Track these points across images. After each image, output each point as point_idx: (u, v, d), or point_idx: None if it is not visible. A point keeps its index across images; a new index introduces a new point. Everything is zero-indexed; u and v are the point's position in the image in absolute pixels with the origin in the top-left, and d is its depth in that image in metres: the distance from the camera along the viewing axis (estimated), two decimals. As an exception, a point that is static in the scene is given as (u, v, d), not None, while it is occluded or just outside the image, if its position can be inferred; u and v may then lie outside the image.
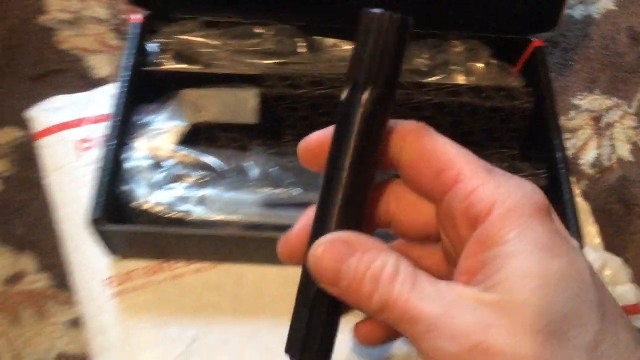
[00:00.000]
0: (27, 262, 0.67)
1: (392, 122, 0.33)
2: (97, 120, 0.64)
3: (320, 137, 0.34)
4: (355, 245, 0.30)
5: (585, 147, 0.73)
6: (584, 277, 0.28)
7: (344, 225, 0.31)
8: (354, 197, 0.31)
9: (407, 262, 0.29)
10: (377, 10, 0.30)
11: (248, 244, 0.53)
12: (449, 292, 0.28)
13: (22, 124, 0.72)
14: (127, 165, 0.54)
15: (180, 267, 0.57)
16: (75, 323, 0.64)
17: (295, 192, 0.54)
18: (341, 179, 0.31)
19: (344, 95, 0.31)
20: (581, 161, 0.71)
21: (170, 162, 0.55)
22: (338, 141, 0.31)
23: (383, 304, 0.28)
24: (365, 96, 0.30)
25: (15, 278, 0.66)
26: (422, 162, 0.32)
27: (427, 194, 0.33)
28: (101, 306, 0.56)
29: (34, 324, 0.64)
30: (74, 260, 0.59)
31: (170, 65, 0.61)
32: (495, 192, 0.29)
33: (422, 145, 0.32)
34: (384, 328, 0.36)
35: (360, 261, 0.29)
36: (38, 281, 0.66)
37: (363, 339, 0.37)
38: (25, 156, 0.71)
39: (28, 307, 0.65)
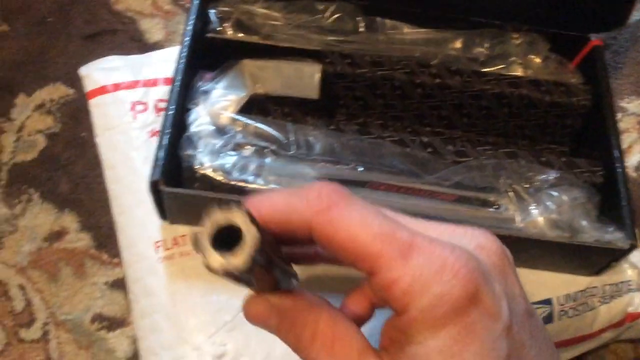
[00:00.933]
0: (69, 221, 0.67)
1: (298, 204, 0.30)
2: (151, 83, 0.64)
3: None
4: (275, 305, 0.32)
5: (630, 151, 0.73)
6: None
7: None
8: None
9: (330, 323, 0.31)
10: None
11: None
12: None
13: (72, 82, 0.71)
14: (188, 130, 0.54)
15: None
16: (115, 285, 0.64)
17: (356, 170, 0.54)
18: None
19: None
20: (625, 164, 0.71)
21: (231, 130, 0.55)
22: None
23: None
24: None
25: (57, 235, 0.66)
26: (334, 251, 0.30)
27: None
28: (149, 269, 0.56)
29: (72, 283, 0.64)
30: (123, 221, 0.58)
31: (231, 34, 0.61)
32: (409, 291, 0.28)
33: (330, 234, 0.30)
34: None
35: (281, 322, 0.32)
36: (79, 240, 0.66)
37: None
38: (73, 114, 0.71)
39: (68, 265, 0.64)
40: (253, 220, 0.27)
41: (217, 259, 0.26)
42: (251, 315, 0.33)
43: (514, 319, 0.29)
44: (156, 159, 0.51)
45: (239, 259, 0.26)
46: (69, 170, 0.69)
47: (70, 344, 0.62)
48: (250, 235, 0.26)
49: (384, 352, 0.31)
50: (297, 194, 0.31)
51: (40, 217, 0.67)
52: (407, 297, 0.28)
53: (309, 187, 0.31)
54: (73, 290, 0.64)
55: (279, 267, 0.31)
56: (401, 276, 0.28)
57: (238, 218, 0.26)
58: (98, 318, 0.63)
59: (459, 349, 0.28)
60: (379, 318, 0.34)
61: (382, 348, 0.31)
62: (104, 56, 0.67)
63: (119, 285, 0.64)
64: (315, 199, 0.30)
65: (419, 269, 0.28)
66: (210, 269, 0.27)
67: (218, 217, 0.26)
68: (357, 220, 0.29)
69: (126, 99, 0.62)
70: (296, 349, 0.32)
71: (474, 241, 0.31)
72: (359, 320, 0.35)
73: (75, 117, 0.71)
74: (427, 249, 0.29)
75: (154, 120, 0.61)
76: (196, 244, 0.27)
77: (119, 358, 0.62)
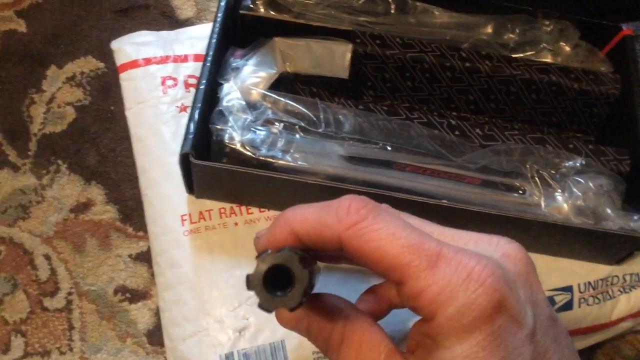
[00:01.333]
0: (95, 192, 0.67)
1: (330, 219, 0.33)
2: (182, 59, 0.64)
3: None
4: (305, 310, 0.34)
5: (655, 142, 0.73)
6: None
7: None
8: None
9: (357, 329, 0.33)
10: None
11: (330, 195, 0.53)
12: None
13: (103, 55, 0.72)
14: (219, 104, 0.54)
15: (255, 214, 0.58)
16: (139, 258, 0.65)
17: (384, 150, 0.54)
18: None
19: None
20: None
21: (262, 106, 0.55)
22: None
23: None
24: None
25: (83, 207, 0.67)
26: (364, 263, 0.32)
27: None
28: (174, 241, 0.57)
29: (97, 255, 0.65)
30: (150, 194, 0.59)
31: (263, 11, 0.61)
32: (437, 299, 0.29)
33: (360, 248, 0.31)
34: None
35: (310, 326, 0.34)
36: (105, 212, 0.67)
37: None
38: (103, 87, 0.71)
39: (93, 237, 0.65)
40: (303, 261, 0.29)
41: (270, 302, 0.29)
42: (284, 320, 0.36)
43: (538, 324, 0.31)
44: (187, 132, 0.52)
45: (292, 301, 0.29)
46: (97, 143, 0.69)
47: (92, 314, 0.63)
48: (301, 279, 0.29)
49: (410, 355, 0.33)
50: (327, 209, 0.33)
51: (67, 188, 0.68)
52: (434, 305, 0.29)
53: (338, 202, 0.33)
54: (97, 262, 0.65)
55: (315, 278, 0.33)
56: (429, 285, 0.29)
57: (290, 262, 0.29)
58: (121, 290, 0.64)
59: (485, 355, 0.29)
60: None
61: (409, 351, 0.33)
62: (135, 31, 0.67)
63: (143, 258, 0.65)
64: (345, 215, 0.32)
65: (447, 279, 0.29)
66: (263, 309, 0.29)
67: (269, 260, 0.29)
68: (385, 234, 0.31)
69: (157, 74, 0.63)
70: (325, 352, 0.34)
71: (500, 250, 0.32)
72: (375, 317, 0.37)
73: (105, 91, 0.72)
74: (454, 259, 0.30)
75: (184, 96, 0.62)
76: (249, 284, 0.29)
77: (140, 330, 0.62)
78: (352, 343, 0.33)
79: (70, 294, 0.64)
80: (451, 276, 0.29)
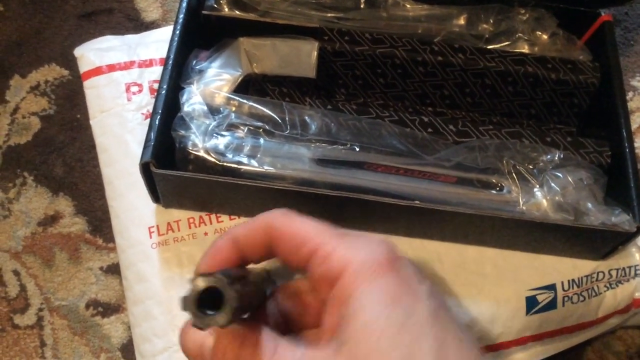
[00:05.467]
0: (64, 204, 0.65)
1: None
2: (146, 64, 0.62)
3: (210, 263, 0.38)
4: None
5: (639, 131, 0.71)
6: (421, 326, 0.32)
7: None
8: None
9: (269, 334, 0.35)
10: None
11: (300, 199, 0.52)
12: (305, 357, 0.33)
13: (67, 62, 0.70)
14: (180, 110, 0.52)
15: (225, 222, 0.56)
16: (110, 270, 0.63)
17: (352, 150, 0.52)
18: None
19: None
20: (635, 144, 0.69)
21: (225, 110, 0.53)
22: None
23: None
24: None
25: (51, 220, 0.65)
26: (284, 244, 0.37)
27: (299, 270, 0.38)
28: (142, 254, 0.55)
29: (67, 268, 0.63)
30: (117, 205, 0.57)
31: (228, 10, 0.59)
32: (346, 253, 0.34)
33: (280, 231, 0.37)
34: None
35: (216, 347, 0.36)
36: (74, 224, 0.65)
37: None
38: (68, 95, 0.69)
39: (62, 250, 0.63)
40: (233, 283, 0.32)
41: (203, 320, 0.31)
42: (188, 341, 0.39)
43: (434, 290, 0.35)
44: (147, 140, 0.50)
45: (223, 319, 0.31)
46: (63, 153, 0.67)
47: (64, 329, 0.61)
48: (230, 299, 0.31)
49: (325, 344, 0.34)
50: (260, 217, 0.38)
51: (34, 201, 0.66)
52: (343, 260, 0.34)
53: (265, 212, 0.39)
54: (68, 276, 0.63)
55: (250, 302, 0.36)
56: (338, 245, 0.35)
57: (219, 284, 0.31)
58: (93, 304, 0.62)
59: (392, 295, 0.32)
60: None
61: (324, 336, 0.35)
62: (100, 36, 0.66)
63: (114, 270, 0.63)
64: (272, 212, 0.38)
65: (352, 242, 0.35)
66: (197, 327, 0.32)
67: (200, 283, 0.31)
68: (302, 220, 0.37)
69: (121, 80, 0.61)
70: None
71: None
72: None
73: (70, 99, 0.70)
74: (359, 234, 0.36)
75: (149, 102, 0.60)
76: (184, 306, 0.32)
77: (114, 344, 0.60)
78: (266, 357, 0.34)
79: (40, 309, 0.62)
80: (357, 241, 0.35)
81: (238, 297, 0.31)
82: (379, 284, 0.33)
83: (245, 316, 0.36)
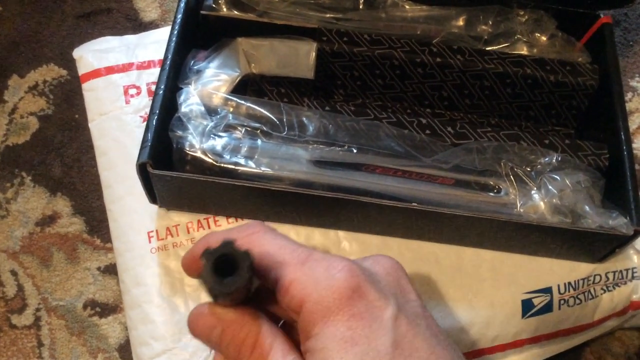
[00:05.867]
0: (61, 204, 0.65)
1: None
2: (145, 66, 0.62)
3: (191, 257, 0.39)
4: (221, 317, 0.36)
5: (639, 132, 0.71)
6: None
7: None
8: None
9: (268, 334, 0.35)
10: None
11: (297, 201, 0.51)
12: None
13: (65, 62, 0.70)
14: (178, 110, 0.52)
15: (223, 226, 0.56)
16: (107, 270, 0.63)
17: (350, 152, 0.52)
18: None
19: None
20: (634, 145, 0.69)
21: (223, 110, 0.53)
22: None
23: None
24: None
25: (49, 220, 0.65)
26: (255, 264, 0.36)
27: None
28: (140, 258, 0.55)
29: (64, 269, 0.63)
30: (116, 209, 0.57)
31: (226, 11, 0.59)
32: (304, 287, 0.34)
33: (252, 250, 0.35)
34: None
35: (224, 332, 0.35)
36: (72, 225, 0.64)
37: None
38: (67, 96, 0.69)
39: (60, 250, 0.63)
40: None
41: (223, 286, 0.32)
42: (199, 324, 0.37)
43: (404, 313, 0.34)
44: (144, 141, 0.50)
45: (241, 278, 0.31)
46: (61, 153, 0.67)
47: (62, 330, 0.61)
48: (242, 258, 0.32)
49: None
50: (233, 229, 0.38)
51: (32, 201, 0.65)
52: (302, 293, 0.34)
53: (243, 225, 0.39)
54: (65, 276, 0.63)
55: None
56: (299, 277, 0.34)
57: (228, 249, 0.32)
58: (90, 304, 0.62)
59: (351, 334, 0.32)
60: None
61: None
62: (99, 36, 0.65)
63: (112, 270, 0.63)
64: (245, 229, 0.38)
65: (313, 271, 0.34)
66: (216, 296, 0.34)
67: (212, 252, 0.32)
68: (269, 239, 0.37)
69: (119, 83, 0.61)
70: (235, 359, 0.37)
71: (371, 259, 0.37)
72: None
73: (68, 99, 0.69)
74: (322, 259, 0.35)
75: (147, 105, 0.60)
76: (204, 279, 0.32)
77: (111, 345, 0.60)
78: (262, 351, 0.35)
79: (38, 310, 0.62)
80: (316, 268, 0.34)
81: (249, 255, 0.32)
82: (335, 323, 0.32)
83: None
